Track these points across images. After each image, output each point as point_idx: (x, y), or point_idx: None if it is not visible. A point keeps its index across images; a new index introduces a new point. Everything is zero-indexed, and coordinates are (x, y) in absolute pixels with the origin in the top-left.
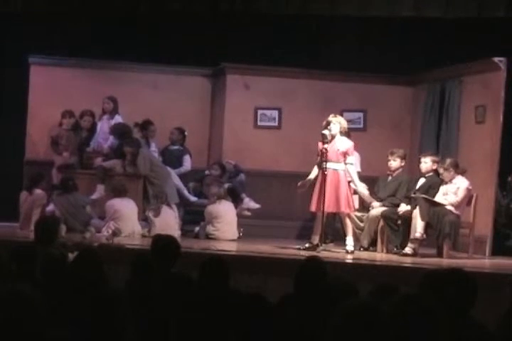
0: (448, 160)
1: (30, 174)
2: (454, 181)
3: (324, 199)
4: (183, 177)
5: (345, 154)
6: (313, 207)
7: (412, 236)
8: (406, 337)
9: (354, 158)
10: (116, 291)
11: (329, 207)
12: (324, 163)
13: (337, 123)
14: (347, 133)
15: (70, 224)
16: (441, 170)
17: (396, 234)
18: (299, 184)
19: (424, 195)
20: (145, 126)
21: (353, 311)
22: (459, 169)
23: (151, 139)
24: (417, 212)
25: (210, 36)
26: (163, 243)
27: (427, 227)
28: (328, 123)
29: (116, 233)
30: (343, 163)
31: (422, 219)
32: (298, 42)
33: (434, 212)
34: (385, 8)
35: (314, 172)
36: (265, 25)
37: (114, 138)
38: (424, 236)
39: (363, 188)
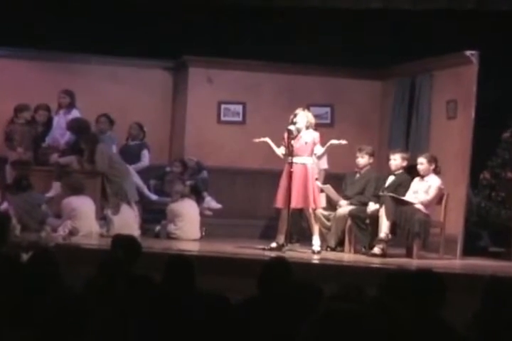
0: (429, 154)
1: None
2: (426, 179)
3: (291, 195)
4: (142, 174)
5: (313, 144)
6: (279, 203)
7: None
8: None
9: (320, 148)
10: (73, 293)
11: (298, 202)
12: (290, 158)
13: (304, 116)
14: (314, 128)
15: (25, 222)
16: (422, 161)
17: (364, 233)
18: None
19: (391, 194)
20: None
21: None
22: (437, 167)
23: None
24: (383, 211)
25: (171, 28)
26: (124, 243)
27: (395, 227)
28: (295, 116)
29: (73, 232)
30: (311, 156)
31: (388, 219)
32: (263, 36)
33: (401, 211)
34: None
35: (281, 149)
36: (229, 17)
37: (71, 134)
38: (390, 236)
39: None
